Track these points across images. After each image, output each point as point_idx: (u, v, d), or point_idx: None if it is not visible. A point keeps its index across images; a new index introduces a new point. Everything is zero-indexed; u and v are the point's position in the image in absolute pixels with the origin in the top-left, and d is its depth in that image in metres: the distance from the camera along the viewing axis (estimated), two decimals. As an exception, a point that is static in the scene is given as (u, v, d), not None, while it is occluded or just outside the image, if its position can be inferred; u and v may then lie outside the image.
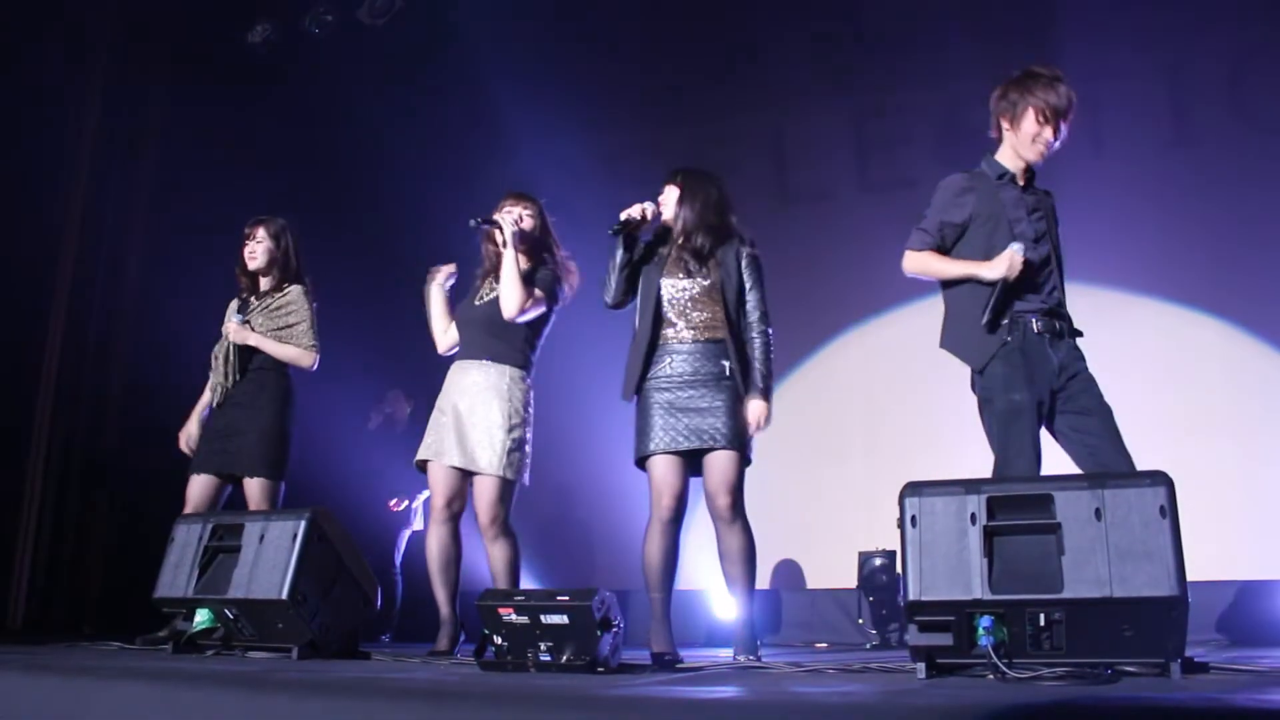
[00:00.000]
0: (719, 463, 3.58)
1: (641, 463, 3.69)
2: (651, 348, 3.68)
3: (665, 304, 3.71)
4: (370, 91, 7.08)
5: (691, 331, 3.68)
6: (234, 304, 4.63)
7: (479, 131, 7.41)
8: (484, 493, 3.97)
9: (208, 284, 4.76)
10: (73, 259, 6.15)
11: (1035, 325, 3.24)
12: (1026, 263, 3.22)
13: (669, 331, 3.70)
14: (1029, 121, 3.34)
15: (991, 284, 3.23)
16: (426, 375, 6.64)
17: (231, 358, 4.47)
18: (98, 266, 6.26)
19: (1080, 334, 3.36)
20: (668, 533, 3.61)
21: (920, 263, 3.39)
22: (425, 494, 6.58)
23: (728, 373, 3.63)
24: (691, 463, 3.65)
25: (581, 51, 7.06)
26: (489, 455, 3.94)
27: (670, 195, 3.80)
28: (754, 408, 3.60)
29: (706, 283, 3.70)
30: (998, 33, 6.32)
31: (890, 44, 6.71)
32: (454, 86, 7.34)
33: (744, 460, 3.62)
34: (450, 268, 4.31)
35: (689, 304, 3.70)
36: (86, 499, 6.05)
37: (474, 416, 3.99)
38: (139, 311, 6.36)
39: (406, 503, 6.57)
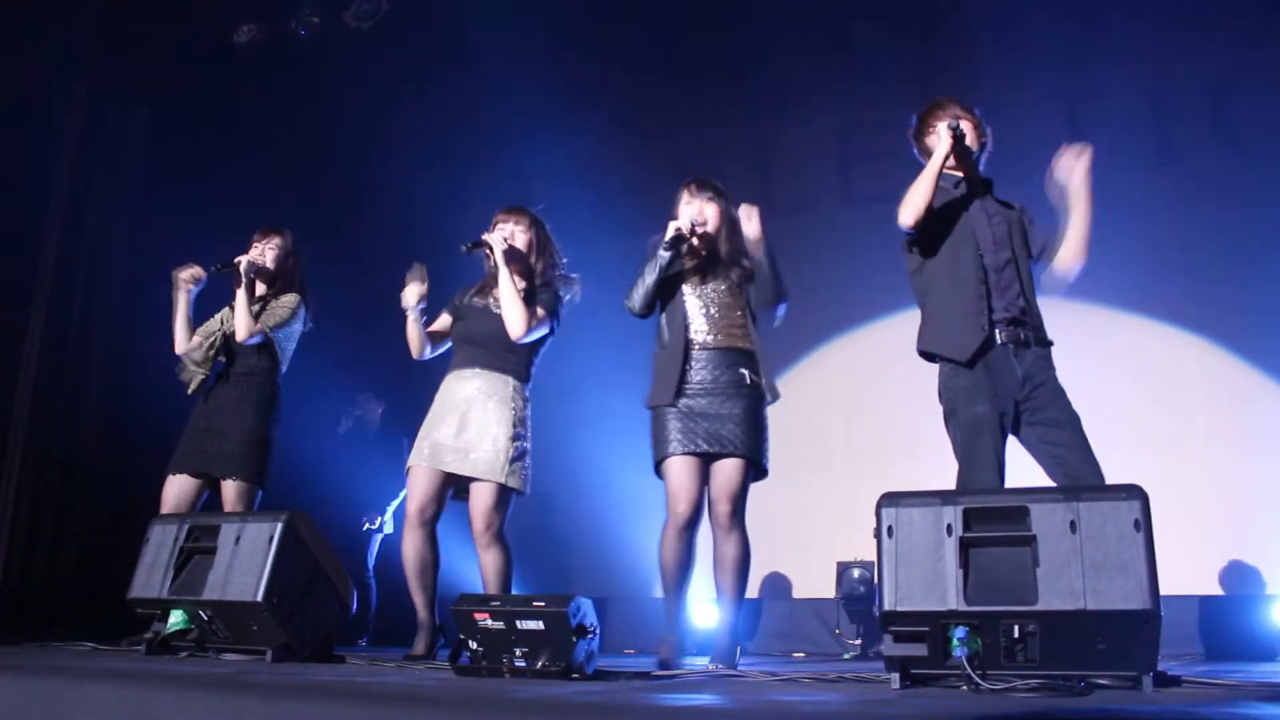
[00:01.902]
0: (727, 469, 3.61)
1: (659, 469, 3.69)
2: (684, 357, 3.69)
3: (689, 313, 3.74)
4: (356, 96, 7.06)
5: (715, 338, 3.71)
6: (226, 311, 4.62)
7: (465, 138, 7.41)
8: (482, 499, 3.94)
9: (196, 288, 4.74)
10: (54, 257, 6.11)
11: (1000, 335, 3.28)
12: (965, 143, 3.41)
13: (691, 339, 3.72)
14: (934, 138, 3.48)
15: (947, 155, 3.39)
16: (399, 378, 6.66)
17: (216, 350, 4.47)
18: (78, 266, 6.21)
19: (1050, 343, 3.39)
20: (683, 537, 3.60)
21: (908, 198, 3.40)
22: (396, 502, 6.57)
23: (748, 380, 3.67)
24: (706, 468, 3.65)
25: (569, 60, 7.06)
26: (491, 461, 3.92)
27: (711, 211, 3.81)
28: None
29: (729, 293, 3.76)
30: (982, 49, 6.37)
31: (875, 58, 6.74)
32: (441, 93, 7.33)
33: (754, 469, 3.65)
34: (421, 289, 4.16)
35: (714, 314, 3.73)
36: (63, 499, 6.00)
37: (478, 422, 3.97)
38: (119, 311, 6.32)
39: (380, 519, 6.54)
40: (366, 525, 6.50)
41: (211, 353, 4.50)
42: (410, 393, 6.65)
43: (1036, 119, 6.30)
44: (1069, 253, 3.45)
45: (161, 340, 4.70)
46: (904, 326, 3.73)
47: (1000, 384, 3.23)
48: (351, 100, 7.03)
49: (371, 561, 6.58)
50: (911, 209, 3.39)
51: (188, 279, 4.50)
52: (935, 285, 3.43)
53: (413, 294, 4.13)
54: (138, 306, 6.16)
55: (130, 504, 4.89)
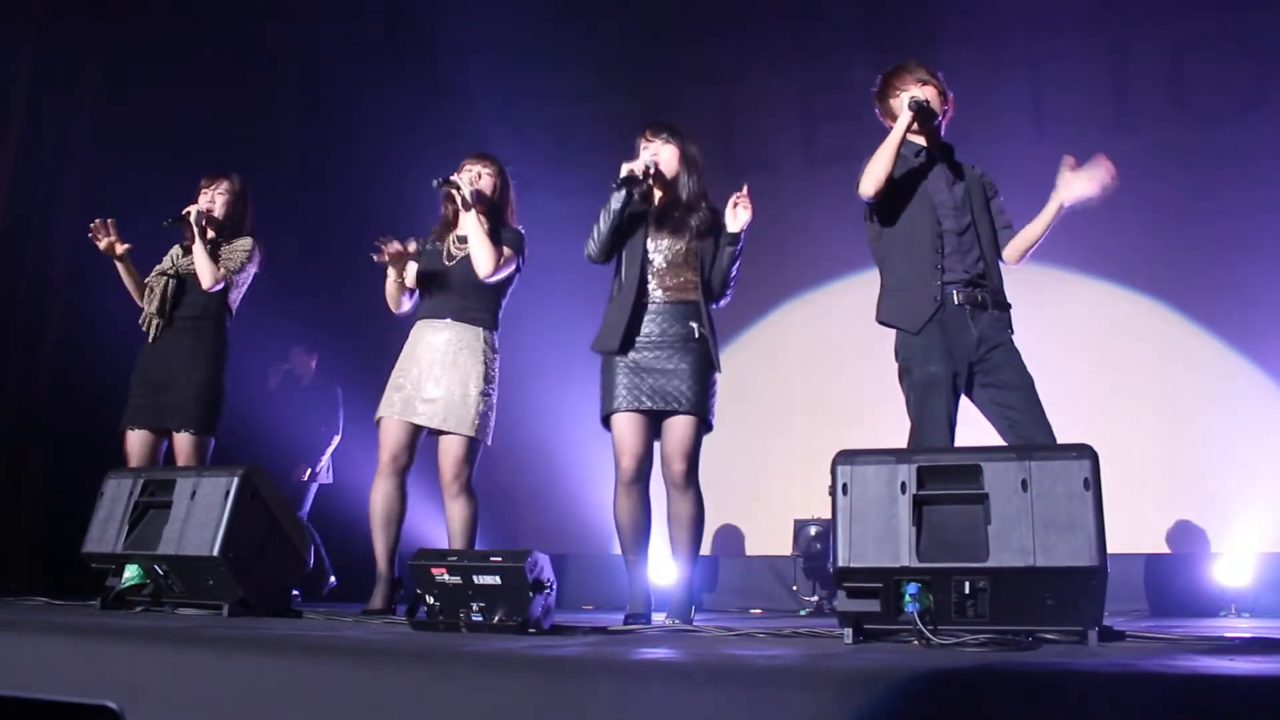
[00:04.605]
0: (678, 428, 3.58)
1: (606, 422, 3.69)
2: (636, 309, 3.67)
3: (645, 264, 3.70)
4: (313, 50, 6.96)
5: (664, 293, 3.67)
6: (177, 249, 4.56)
7: (426, 95, 7.31)
8: (452, 451, 3.96)
9: (144, 237, 4.67)
10: (5, 208, 5.99)
11: (956, 296, 3.31)
12: (928, 112, 3.39)
13: (645, 291, 3.69)
14: (904, 101, 3.44)
15: (906, 130, 3.39)
16: (332, 327, 6.63)
17: (169, 293, 4.42)
18: (30, 218, 6.09)
19: (1009, 305, 3.43)
20: (631, 493, 3.60)
21: (868, 169, 3.40)
22: (329, 449, 6.55)
23: (695, 335, 3.63)
24: (654, 424, 3.64)
25: (531, 20, 6.99)
26: (463, 414, 3.94)
27: (668, 153, 3.75)
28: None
29: (687, 247, 3.69)
30: (945, 12, 6.37)
31: (839, 18, 6.73)
32: (408, 48, 7.24)
33: (704, 426, 3.63)
34: (412, 248, 4.16)
35: (667, 267, 3.69)
36: (16, 453, 5.93)
37: (449, 375, 3.98)
38: (72, 264, 6.22)
39: (310, 470, 6.51)
40: (303, 476, 6.47)
41: (164, 301, 4.44)
42: (346, 341, 6.64)
43: (998, 82, 6.32)
44: (1013, 251, 3.55)
45: (116, 293, 4.64)
46: (864, 286, 3.75)
47: (955, 344, 3.28)
48: (309, 54, 6.93)
49: (306, 510, 6.54)
50: (872, 179, 3.39)
51: (107, 249, 4.46)
52: (892, 254, 3.46)
53: (413, 245, 4.13)
54: (92, 259, 6.05)
55: (85, 458, 4.84)
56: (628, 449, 3.60)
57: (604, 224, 3.68)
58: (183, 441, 4.34)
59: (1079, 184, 3.47)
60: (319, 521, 6.50)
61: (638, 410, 3.58)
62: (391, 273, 4.12)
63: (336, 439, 6.58)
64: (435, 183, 4.07)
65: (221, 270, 4.41)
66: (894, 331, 3.44)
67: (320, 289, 6.57)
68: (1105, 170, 3.46)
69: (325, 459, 6.59)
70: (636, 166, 3.68)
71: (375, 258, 4.06)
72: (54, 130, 6.23)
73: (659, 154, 3.75)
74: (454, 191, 4.06)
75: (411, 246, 4.14)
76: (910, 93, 3.42)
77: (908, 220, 3.43)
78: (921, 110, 3.39)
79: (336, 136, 7.06)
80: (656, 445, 3.68)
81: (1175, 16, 6.27)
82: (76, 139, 6.35)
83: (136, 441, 4.40)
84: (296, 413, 6.52)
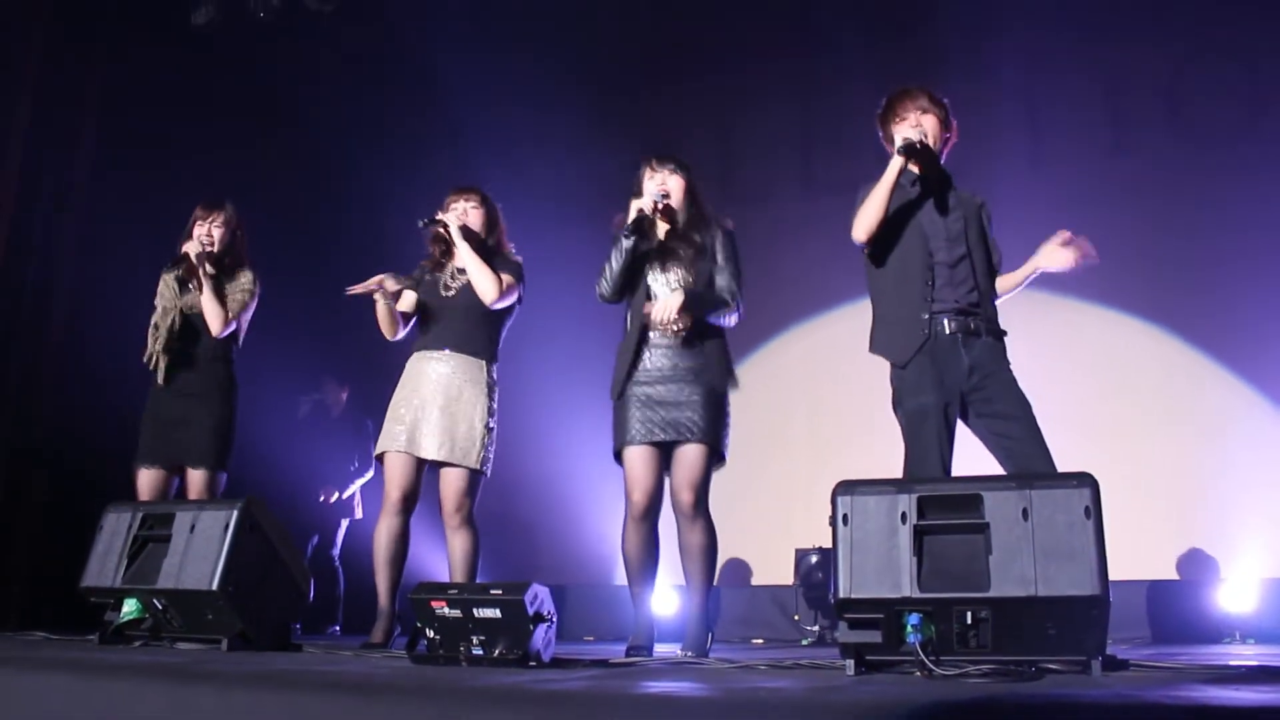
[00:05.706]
0: (687, 457, 3.55)
1: (619, 456, 3.67)
2: (639, 346, 3.67)
3: (651, 299, 3.70)
4: (314, 79, 7.00)
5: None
6: (171, 277, 4.53)
7: (425, 121, 7.36)
8: (455, 484, 3.96)
9: (144, 267, 4.68)
10: (4, 239, 6.01)
11: (948, 325, 3.30)
12: (920, 152, 3.36)
13: (650, 327, 3.69)
14: (903, 130, 3.43)
15: (898, 175, 3.37)
16: (363, 360, 6.62)
17: (175, 328, 4.41)
18: (31, 248, 6.11)
19: (1004, 333, 3.42)
20: (641, 529, 3.59)
21: (860, 215, 3.40)
22: (359, 482, 6.53)
23: (705, 365, 3.62)
24: (665, 457, 3.62)
25: (529, 46, 7.03)
26: (468, 447, 3.95)
27: (676, 183, 3.74)
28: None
29: (683, 277, 3.68)
30: (940, 40, 6.41)
31: (838, 47, 6.78)
32: (400, 74, 7.29)
33: (714, 456, 3.59)
34: (395, 286, 4.12)
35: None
36: (13, 487, 5.92)
37: (455, 408, 3.98)
38: (73, 294, 6.24)
39: (338, 494, 6.49)
40: (329, 499, 6.45)
41: (171, 339, 4.43)
42: (375, 373, 6.64)
43: (995, 105, 6.35)
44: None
45: (114, 326, 4.65)
46: (863, 314, 3.75)
47: (946, 374, 3.26)
48: (309, 83, 6.97)
49: (338, 549, 6.53)
50: (864, 226, 3.39)
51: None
52: (883, 286, 3.45)
53: (392, 283, 4.09)
54: (92, 288, 6.07)
55: (82, 491, 4.83)
56: (639, 483, 3.58)
57: (615, 264, 3.66)
58: (197, 478, 4.33)
59: (1060, 256, 3.51)
60: (350, 562, 6.46)
61: (650, 443, 3.57)
62: (378, 299, 4.08)
63: (369, 473, 6.53)
64: (421, 223, 4.08)
65: (230, 314, 4.42)
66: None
67: (355, 321, 6.59)
68: (1087, 250, 3.50)
69: (356, 495, 6.57)
70: (645, 205, 3.67)
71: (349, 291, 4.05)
72: (55, 161, 6.26)
73: (667, 184, 3.74)
74: (441, 231, 4.07)
75: (391, 285, 4.07)
76: (904, 133, 3.38)
77: (899, 252, 3.41)
78: (912, 153, 3.38)
79: (346, 166, 7.10)
80: (666, 480, 3.66)
81: (1170, 38, 6.31)
82: (77, 171, 6.38)
83: (148, 480, 4.39)
84: (325, 442, 6.51)
